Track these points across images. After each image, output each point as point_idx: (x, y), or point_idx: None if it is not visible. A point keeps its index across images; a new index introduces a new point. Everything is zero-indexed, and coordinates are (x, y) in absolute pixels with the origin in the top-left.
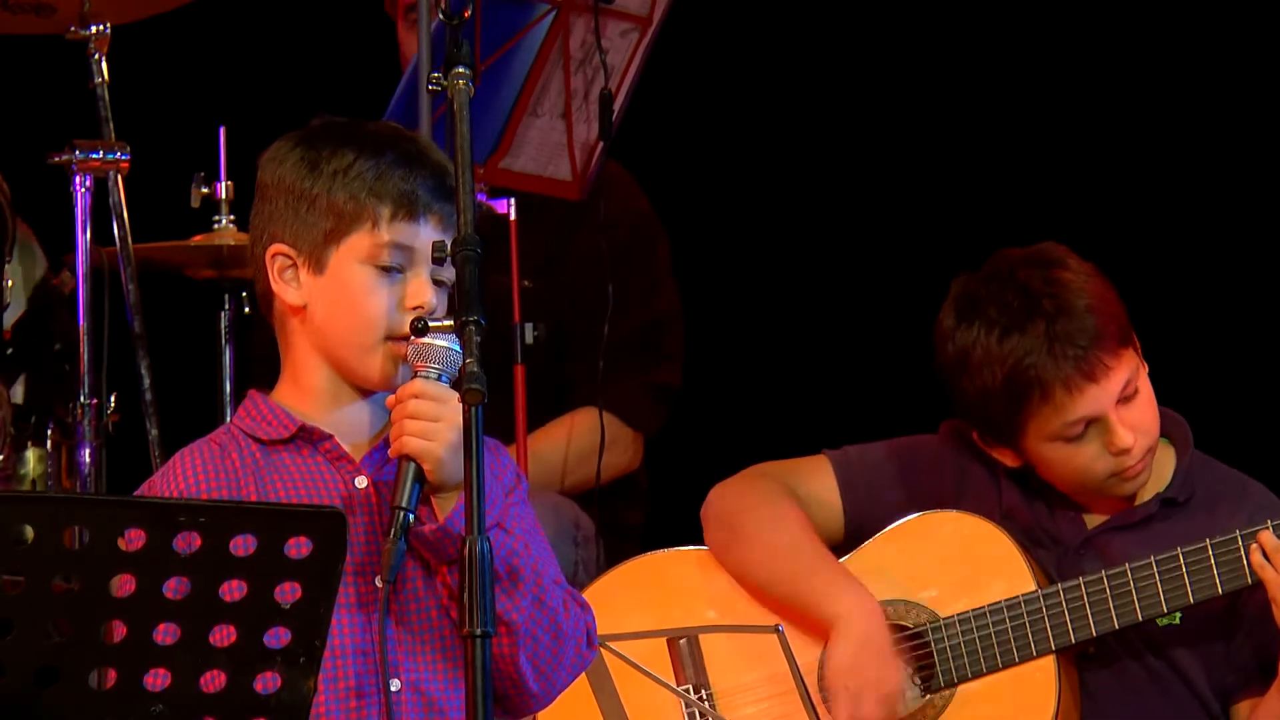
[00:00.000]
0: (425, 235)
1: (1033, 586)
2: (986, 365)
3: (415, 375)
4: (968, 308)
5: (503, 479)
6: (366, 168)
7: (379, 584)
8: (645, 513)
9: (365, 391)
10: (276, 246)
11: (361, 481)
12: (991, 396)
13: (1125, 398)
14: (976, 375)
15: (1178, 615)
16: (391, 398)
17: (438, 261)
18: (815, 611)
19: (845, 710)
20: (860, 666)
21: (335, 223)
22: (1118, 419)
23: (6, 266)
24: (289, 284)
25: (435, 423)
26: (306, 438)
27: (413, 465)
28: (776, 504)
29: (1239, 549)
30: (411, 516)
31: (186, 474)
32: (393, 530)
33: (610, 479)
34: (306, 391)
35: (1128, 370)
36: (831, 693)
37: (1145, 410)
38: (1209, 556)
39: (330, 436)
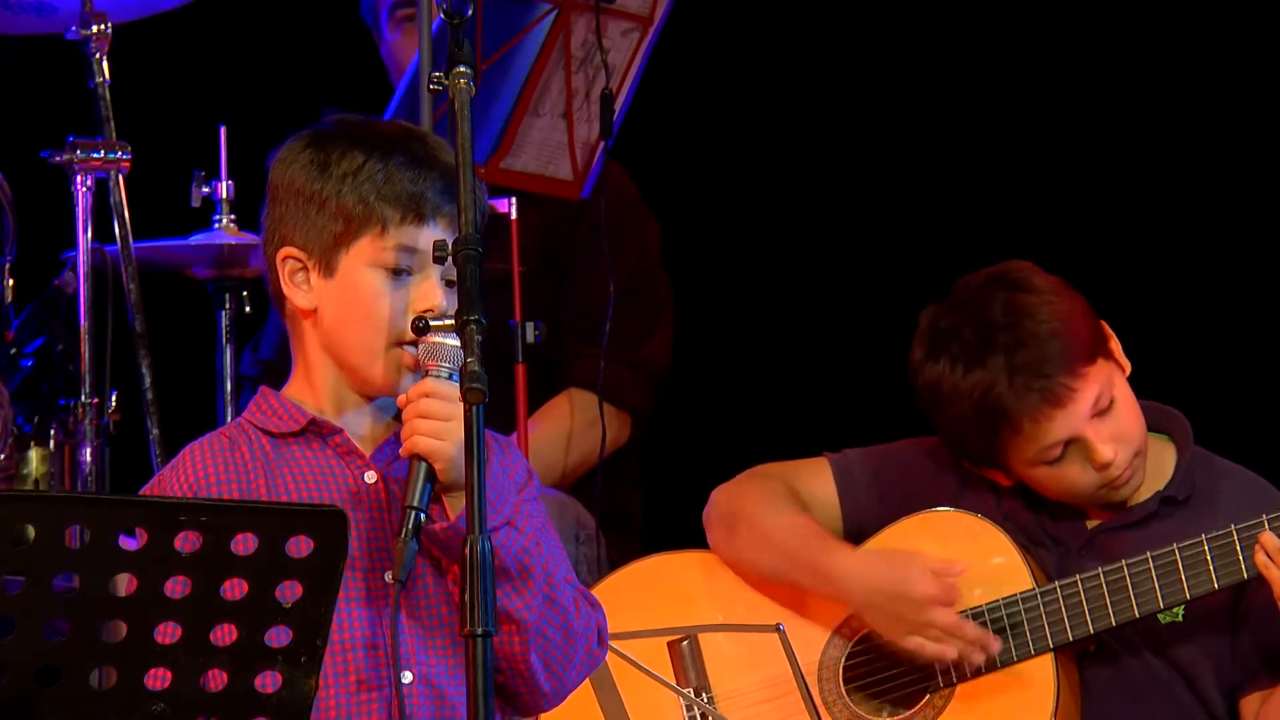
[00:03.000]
0: (434, 237)
1: (1031, 585)
2: (956, 400)
3: (426, 374)
4: (933, 342)
5: (514, 476)
6: (375, 170)
7: (389, 580)
8: (642, 500)
9: (372, 396)
10: (287, 249)
11: (371, 476)
12: (966, 429)
13: (1100, 411)
14: (948, 409)
15: (1180, 613)
16: (403, 396)
17: (438, 261)
18: (818, 585)
19: (908, 635)
20: (881, 591)
21: (344, 226)
22: (1095, 435)
23: (7, 266)
24: (299, 287)
25: (447, 422)
26: (317, 431)
27: (424, 464)
28: (775, 497)
29: (1234, 544)
30: (423, 516)
31: (195, 467)
32: (404, 530)
33: (600, 458)
34: (317, 390)
35: (1097, 385)
36: (886, 632)
37: (1124, 418)
38: (1205, 552)
39: (340, 430)
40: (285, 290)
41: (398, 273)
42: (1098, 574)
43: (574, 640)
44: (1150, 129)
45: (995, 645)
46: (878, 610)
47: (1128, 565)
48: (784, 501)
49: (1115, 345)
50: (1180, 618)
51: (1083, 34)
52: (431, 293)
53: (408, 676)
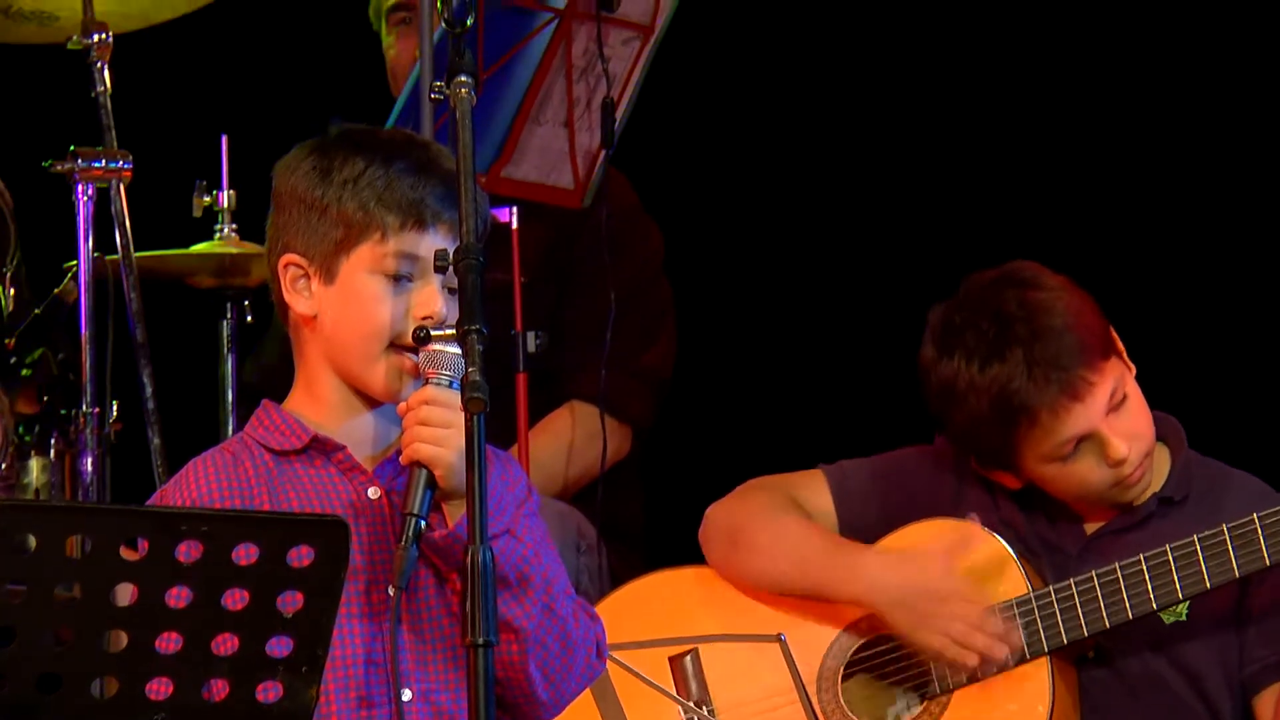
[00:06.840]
0: (434, 244)
1: (1027, 590)
2: (971, 395)
3: (427, 382)
4: (946, 339)
5: (514, 490)
6: (376, 177)
7: (391, 592)
8: (643, 511)
9: (375, 402)
10: (289, 256)
11: (374, 492)
12: (981, 425)
13: (1114, 407)
14: (963, 406)
15: (1184, 612)
16: (403, 404)
17: (439, 270)
18: (837, 587)
19: (932, 633)
20: (906, 587)
21: (345, 232)
22: (1109, 430)
23: (8, 274)
24: (300, 294)
25: (447, 429)
26: (319, 448)
27: (424, 472)
28: (776, 508)
29: (1226, 542)
30: (423, 523)
31: (199, 483)
32: (404, 537)
33: (601, 471)
34: (319, 401)
35: (1112, 381)
36: (909, 631)
37: (1137, 415)
38: (1197, 552)
39: (343, 447)
40: (286, 297)
41: (398, 279)
42: (1090, 577)
43: (572, 650)
44: (1141, 130)
45: (1017, 640)
46: (902, 608)
47: (1120, 567)
48: (790, 510)
49: (1121, 346)
50: (1184, 616)
51: (1083, 38)
52: (432, 299)
53: (406, 694)
